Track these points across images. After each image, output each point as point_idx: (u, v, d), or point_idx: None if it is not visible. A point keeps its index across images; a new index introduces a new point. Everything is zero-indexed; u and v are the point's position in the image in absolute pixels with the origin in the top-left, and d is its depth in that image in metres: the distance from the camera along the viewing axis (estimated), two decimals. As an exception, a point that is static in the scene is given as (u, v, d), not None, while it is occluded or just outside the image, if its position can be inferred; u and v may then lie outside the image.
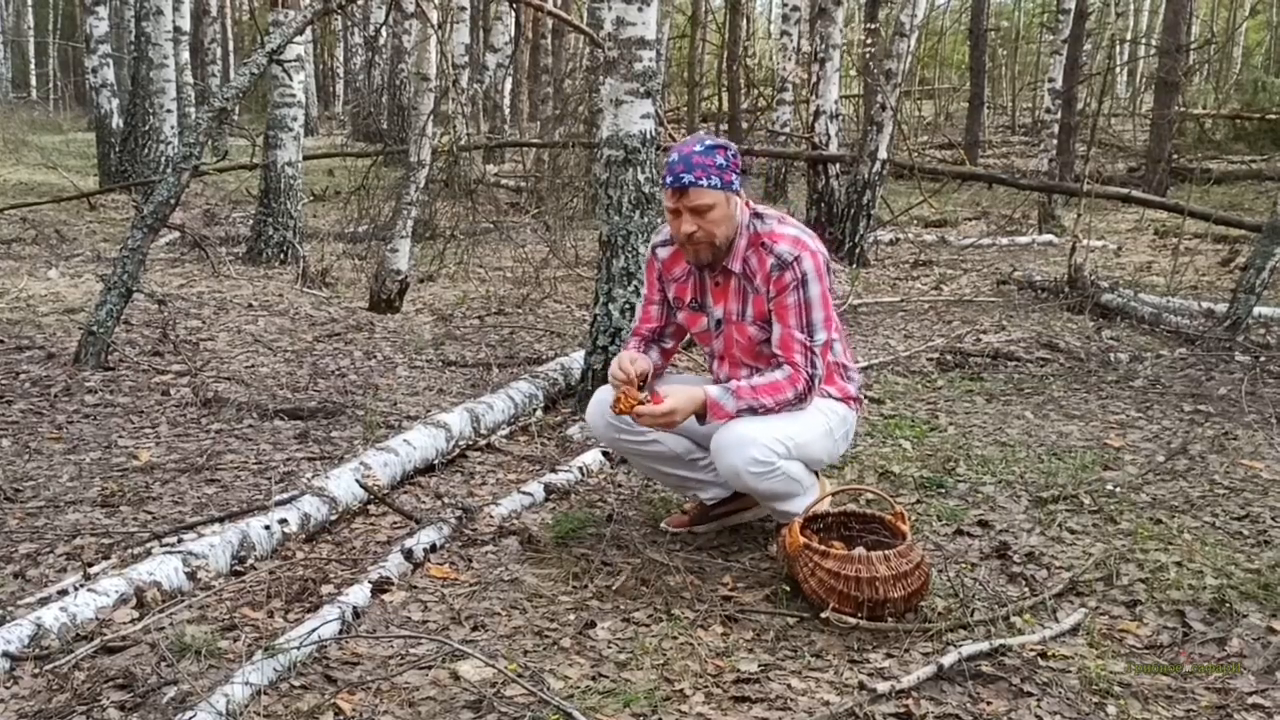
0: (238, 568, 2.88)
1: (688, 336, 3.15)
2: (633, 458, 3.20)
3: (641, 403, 2.75)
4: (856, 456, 3.84)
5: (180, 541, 2.94)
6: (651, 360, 2.98)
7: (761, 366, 2.91)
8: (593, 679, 2.37)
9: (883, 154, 8.78)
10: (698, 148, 2.80)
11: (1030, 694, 2.32)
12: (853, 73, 17.39)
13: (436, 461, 3.74)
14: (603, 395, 2.99)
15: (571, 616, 2.67)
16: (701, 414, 2.79)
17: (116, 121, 11.86)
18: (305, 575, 2.85)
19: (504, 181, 11.76)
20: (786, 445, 2.81)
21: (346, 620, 2.55)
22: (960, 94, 19.55)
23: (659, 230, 3.06)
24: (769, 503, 2.96)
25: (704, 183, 2.76)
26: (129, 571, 2.70)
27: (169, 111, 11.37)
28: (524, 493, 3.43)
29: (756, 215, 2.88)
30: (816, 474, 3.04)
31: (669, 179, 2.78)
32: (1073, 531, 3.23)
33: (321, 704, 2.24)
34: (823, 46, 9.13)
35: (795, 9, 12.29)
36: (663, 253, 3.03)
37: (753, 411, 2.79)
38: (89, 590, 2.59)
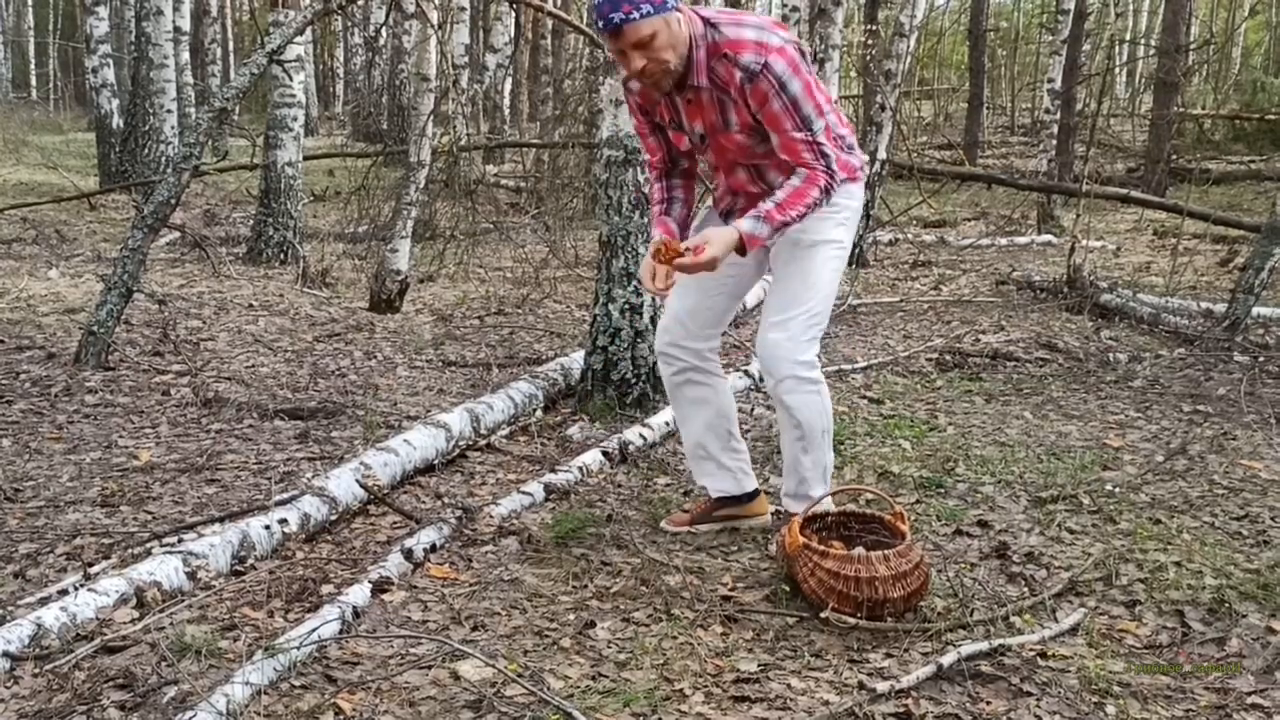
0: (238, 568, 2.88)
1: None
2: (682, 404, 3.16)
3: (681, 254, 2.74)
4: (856, 456, 3.85)
5: (180, 541, 2.94)
6: (677, 206, 3.01)
7: (760, 165, 2.88)
8: (593, 679, 2.37)
9: (882, 154, 8.78)
10: None
11: (1030, 694, 2.33)
12: (852, 73, 17.38)
13: (436, 461, 3.75)
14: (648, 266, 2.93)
15: (571, 616, 2.67)
16: (741, 249, 2.76)
17: (117, 122, 11.86)
18: (305, 575, 2.86)
19: (504, 182, 11.76)
20: (817, 325, 2.94)
21: (346, 620, 2.55)
22: (959, 94, 19.56)
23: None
24: (794, 446, 3.02)
25: (636, 15, 2.59)
26: (129, 571, 2.70)
27: (169, 112, 11.37)
28: (524, 493, 3.43)
29: (710, 24, 2.73)
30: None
31: (599, 23, 2.62)
32: (1072, 531, 3.23)
33: (322, 704, 2.24)
34: (822, 47, 9.13)
35: (795, 9, 12.24)
36: (635, 85, 2.88)
37: (787, 226, 2.77)
38: (89, 590, 2.59)
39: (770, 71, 2.67)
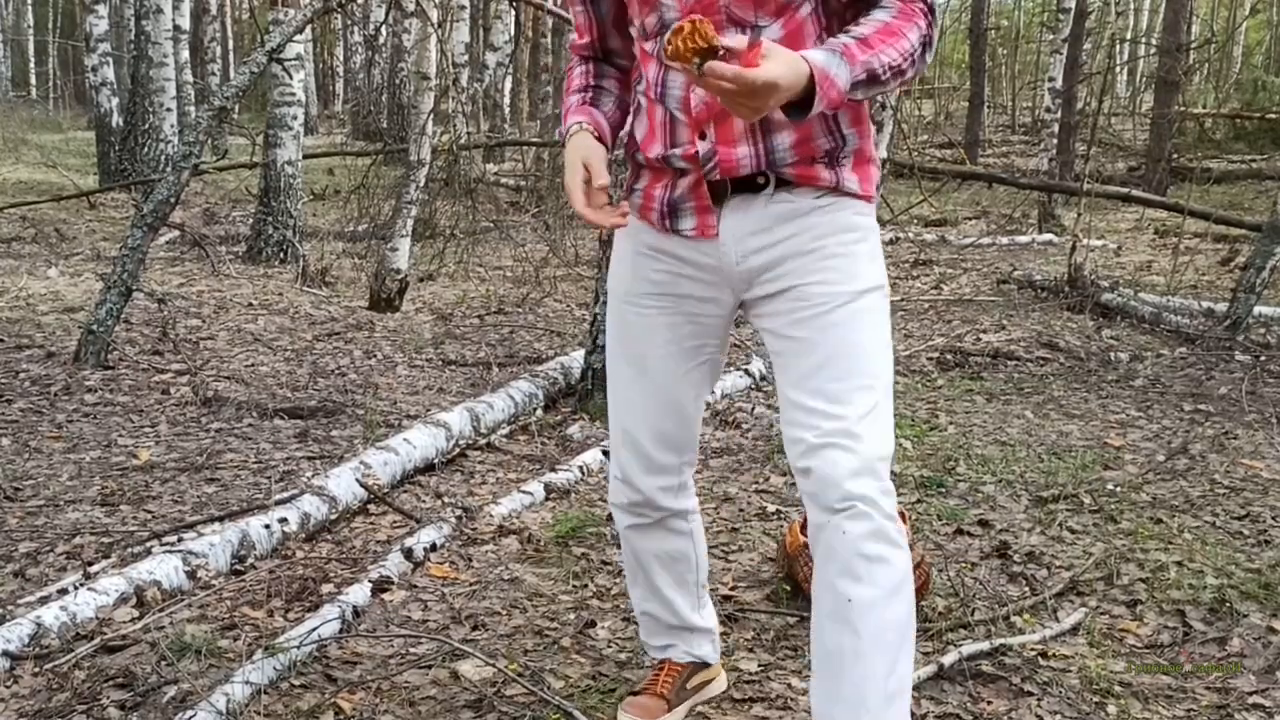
0: (238, 567, 2.88)
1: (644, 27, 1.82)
2: (645, 561, 2.15)
3: (715, 49, 1.53)
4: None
5: (180, 540, 2.94)
6: (606, 99, 1.94)
7: (767, 21, 1.72)
8: (593, 678, 2.37)
9: (883, 153, 8.75)
10: None
11: (1030, 693, 2.32)
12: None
13: (436, 461, 3.74)
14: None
15: (572, 616, 2.67)
16: (807, 95, 1.59)
17: (116, 120, 11.85)
18: (305, 574, 2.85)
19: (504, 180, 11.76)
20: (888, 416, 1.78)
21: (346, 619, 2.55)
22: (960, 93, 19.56)
23: None
24: (847, 660, 1.71)
25: None
26: (129, 570, 2.70)
27: (169, 110, 11.36)
28: (524, 492, 3.43)
29: None
30: None
31: None
32: (1073, 531, 3.23)
33: (322, 703, 2.24)
34: (823, 45, 9.12)
35: (795, 8, 12.26)
36: None
37: (875, 81, 1.64)
38: (89, 589, 2.59)
39: None
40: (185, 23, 12.96)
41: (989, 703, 2.29)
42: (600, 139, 1.83)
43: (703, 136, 1.78)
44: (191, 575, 2.76)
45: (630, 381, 2.01)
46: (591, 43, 1.97)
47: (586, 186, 1.76)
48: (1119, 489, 3.55)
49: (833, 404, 1.73)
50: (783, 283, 1.81)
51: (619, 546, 3.06)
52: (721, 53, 1.53)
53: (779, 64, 1.54)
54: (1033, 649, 2.49)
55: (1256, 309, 5.82)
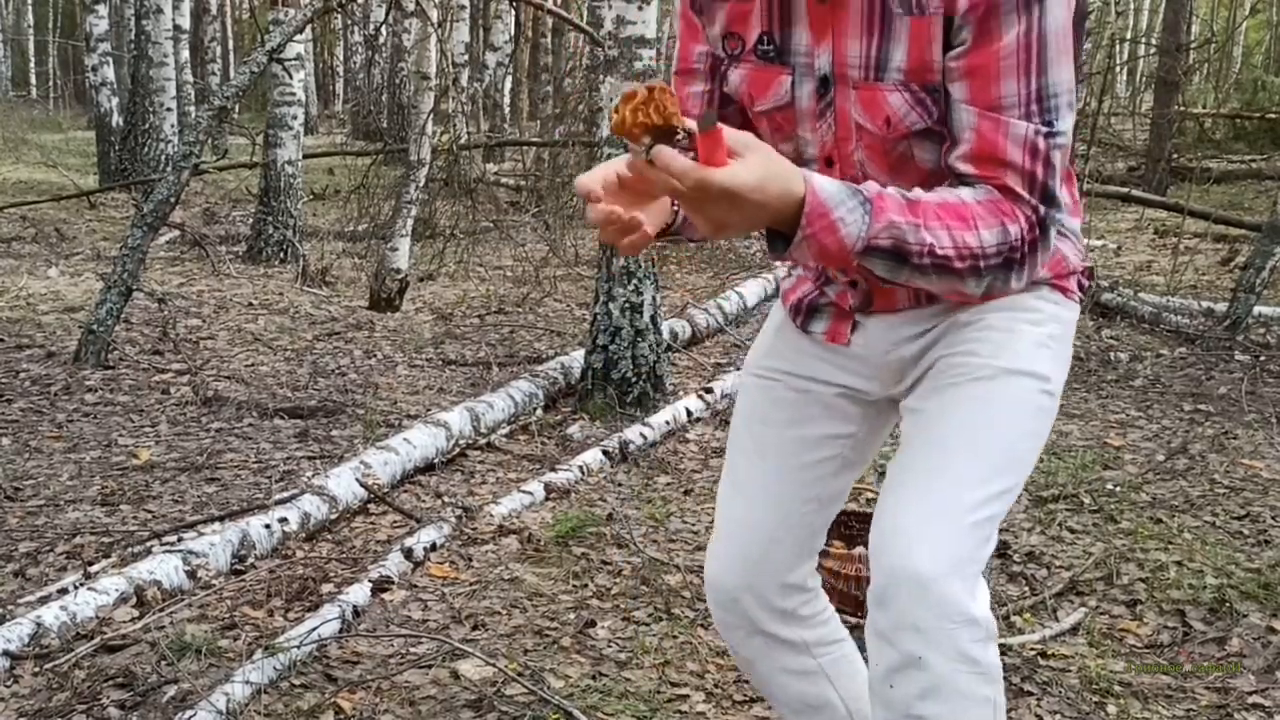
0: (238, 566, 2.88)
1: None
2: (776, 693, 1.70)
3: (676, 135, 1.17)
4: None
5: (180, 540, 2.94)
6: None
7: (906, 165, 1.40)
8: (593, 678, 2.37)
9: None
10: None
11: (1030, 693, 2.32)
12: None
13: (436, 460, 3.74)
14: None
15: (571, 615, 2.67)
16: (790, 221, 1.22)
17: (116, 120, 11.85)
18: (305, 574, 2.85)
19: (504, 180, 11.75)
20: (994, 520, 1.43)
21: (346, 619, 2.55)
22: (960, 93, 19.52)
23: None
24: None
25: None
26: (129, 570, 2.70)
27: (169, 110, 11.36)
28: (524, 492, 3.43)
29: None
30: None
31: None
32: (1073, 531, 3.23)
33: (322, 703, 2.24)
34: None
35: (795, 8, 12.27)
36: None
37: (904, 258, 1.26)
38: (89, 589, 2.59)
39: None
40: (185, 22, 12.95)
41: (989, 702, 2.29)
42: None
43: (854, 284, 1.52)
44: (191, 575, 2.76)
45: (742, 458, 1.65)
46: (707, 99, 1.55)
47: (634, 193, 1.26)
48: (1119, 489, 3.55)
49: (924, 490, 1.37)
50: (930, 359, 1.48)
51: (620, 546, 3.06)
52: (681, 135, 1.17)
53: (752, 169, 1.18)
54: (1032, 649, 2.49)
55: (1256, 309, 5.82)
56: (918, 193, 1.28)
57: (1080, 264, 1.51)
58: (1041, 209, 1.29)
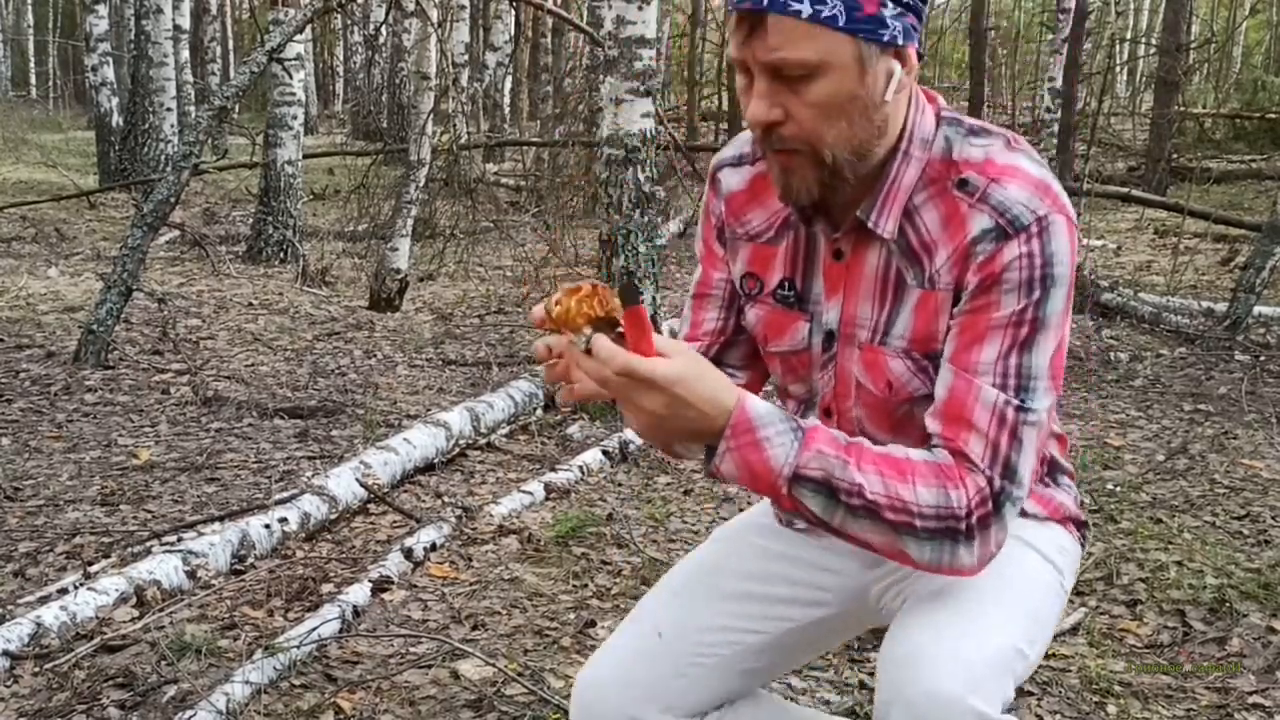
0: (238, 566, 2.88)
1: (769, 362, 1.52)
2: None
3: (617, 328, 1.23)
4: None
5: (180, 540, 2.94)
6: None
7: (901, 424, 1.40)
8: (593, 678, 2.37)
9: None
10: None
11: (1030, 693, 2.32)
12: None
13: (436, 460, 3.74)
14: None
15: (572, 615, 2.67)
16: (718, 432, 1.24)
17: (116, 120, 11.85)
18: (305, 574, 2.85)
19: (504, 180, 11.75)
20: (1014, 668, 1.34)
21: (346, 619, 2.55)
22: (960, 93, 19.55)
23: (732, 141, 1.52)
24: None
25: (801, 5, 1.21)
26: (129, 570, 2.70)
27: (169, 110, 11.36)
28: (524, 492, 3.43)
29: (951, 121, 1.35)
30: None
31: None
32: (1073, 531, 3.22)
33: (322, 703, 2.24)
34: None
35: (795, 8, 12.27)
36: (730, 180, 1.48)
37: (832, 495, 1.25)
38: (89, 589, 2.59)
39: (1048, 240, 1.27)
40: (185, 22, 12.95)
41: (989, 702, 2.29)
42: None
43: None
44: (191, 575, 2.76)
45: (683, 575, 1.57)
46: (703, 351, 1.53)
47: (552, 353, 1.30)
48: (1119, 489, 3.55)
49: (941, 623, 1.30)
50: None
51: (619, 546, 3.06)
52: (620, 330, 1.21)
53: (675, 365, 1.20)
54: (1032, 649, 2.49)
55: (1256, 309, 5.82)
56: (861, 440, 1.29)
57: (1077, 512, 1.50)
58: (997, 482, 1.26)
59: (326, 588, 2.78)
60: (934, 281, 1.32)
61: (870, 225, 1.33)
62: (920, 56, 1.28)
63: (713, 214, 1.50)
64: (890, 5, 1.24)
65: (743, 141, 1.48)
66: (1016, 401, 1.27)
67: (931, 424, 1.31)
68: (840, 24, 1.22)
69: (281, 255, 7.81)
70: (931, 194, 1.32)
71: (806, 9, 1.21)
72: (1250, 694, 2.34)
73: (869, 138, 1.29)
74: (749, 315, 1.48)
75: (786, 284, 1.43)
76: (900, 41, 1.26)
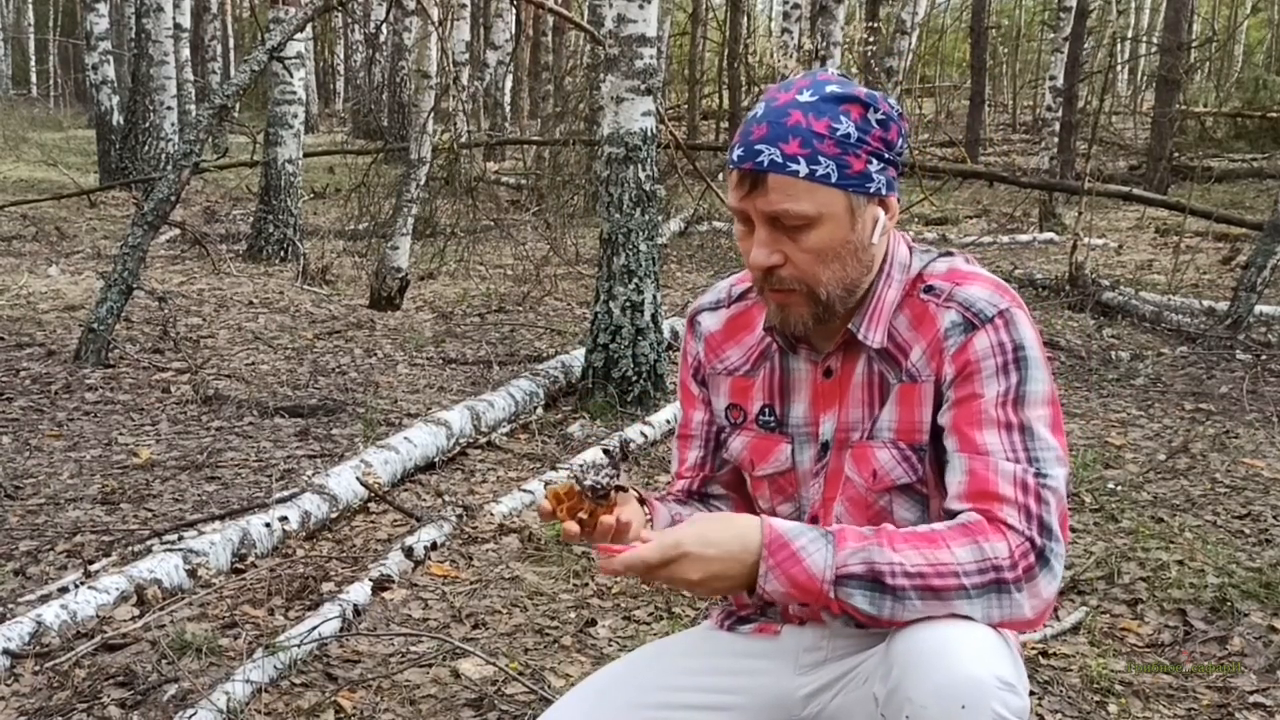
0: (238, 565, 2.88)
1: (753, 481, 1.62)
2: None
3: (592, 508, 1.45)
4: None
5: (181, 539, 2.94)
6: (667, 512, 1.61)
7: (892, 504, 1.48)
8: (593, 677, 2.37)
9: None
10: (804, 96, 1.39)
11: (1032, 693, 2.31)
12: (854, 70, 17.38)
13: (437, 459, 3.74)
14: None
15: (572, 614, 2.66)
16: (749, 580, 1.33)
17: (117, 118, 11.84)
18: (306, 573, 2.85)
19: (504, 179, 11.75)
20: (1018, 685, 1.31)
21: (347, 618, 2.55)
22: (961, 92, 19.55)
23: (709, 289, 1.67)
24: None
25: (797, 168, 1.35)
26: (129, 569, 2.70)
27: (169, 109, 11.36)
28: (524, 490, 3.43)
29: (918, 250, 1.52)
30: None
31: (735, 150, 1.40)
32: (1074, 530, 3.22)
33: (322, 701, 2.24)
34: (824, 44, 9.12)
35: (796, 6, 12.29)
36: (709, 322, 1.62)
37: (880, 582, 1.30)
38: (89, 588, 2.59)
39: (1012, 326, 1.39)
40: (186, 21, 12.96)
41: (990, 702, 2.29)
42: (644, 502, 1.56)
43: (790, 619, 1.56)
44: (192, 574, 2.76)
45: (607, 676, 1.59)
46: (690, 485, 1.69)
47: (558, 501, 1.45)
48: (1120, 488, 3.55)
49: (939, 625, 1.31)
50: (857, 661, 1.46)
51: (619, 545, 3.06)
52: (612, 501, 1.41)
53: (685, 534, 1.34)
54: (1033, 648, 2.49)
55: (1257, 308, 5.82)
56: (885, 525, 1.36)
57: (1052, 596, 1.40)
58: (1038, 540, 1.32)
59: (327, 586, 2.78)
60: (913, 375, 1.44)
61: (860, 337, 1.46)
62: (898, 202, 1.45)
63: (690, 355, 1.64)
64: (875, 162, 1.39)
65: (719, 289, 1.64)
66: (1034, 470, 1.35)
67: (958, 505, 1.37)
68: (833, 181, 1.37)
69: (282, 254, 7.81)
70: (902, 303, 1.47)
71: (804, 169, 1.36)
72: (1251, 693, 2.34)
73: (859, 275, 1.44)
74: (734, 443, 1.60)
75: (767, 410, 1.55)
76: (884, 192, 1.41)
